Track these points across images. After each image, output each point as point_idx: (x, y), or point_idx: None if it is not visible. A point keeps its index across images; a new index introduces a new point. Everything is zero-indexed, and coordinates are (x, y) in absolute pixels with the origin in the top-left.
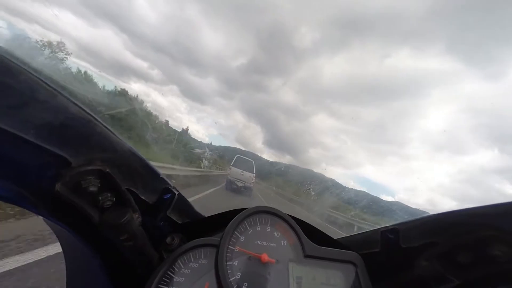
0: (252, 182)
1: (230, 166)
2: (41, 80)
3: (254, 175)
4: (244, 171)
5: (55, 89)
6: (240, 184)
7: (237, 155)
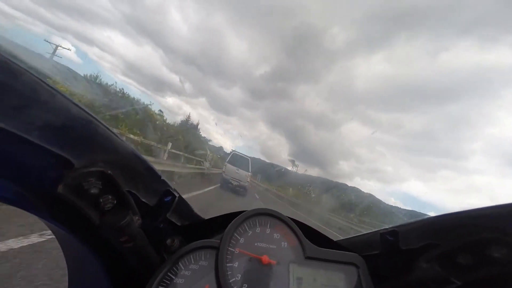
0: (248, 181)
1: (225, 163)
2: (43, 81)
3: (250, 173)
4: (239, 169)
5: (56, 90)
6: (235, 183)
7: (233, 152)
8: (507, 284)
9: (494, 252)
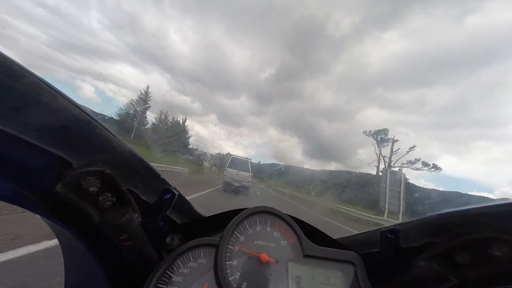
0: (249, 181)
1: (226, 168)
2: (44, 82)
3: (250, 174)
4: (239, 171)
5: (57, 92)
6: (237, 184)
7: (232, 156)
8: (505, 283)
9: (493, 250)
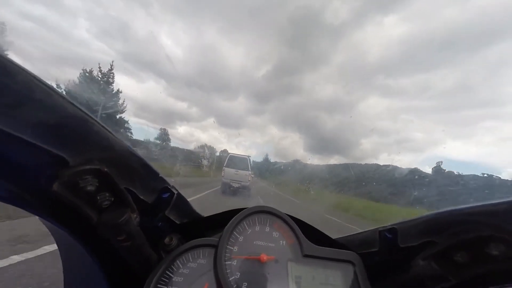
0: (249, 180)
1: (224, 167)
2: (38, 80)
3: (251, 172)
4: (239, 170)
5: (52, 89)
6: (236, 185)
7: (230, 154)
8: (503, 281)
9: (491, 249)
